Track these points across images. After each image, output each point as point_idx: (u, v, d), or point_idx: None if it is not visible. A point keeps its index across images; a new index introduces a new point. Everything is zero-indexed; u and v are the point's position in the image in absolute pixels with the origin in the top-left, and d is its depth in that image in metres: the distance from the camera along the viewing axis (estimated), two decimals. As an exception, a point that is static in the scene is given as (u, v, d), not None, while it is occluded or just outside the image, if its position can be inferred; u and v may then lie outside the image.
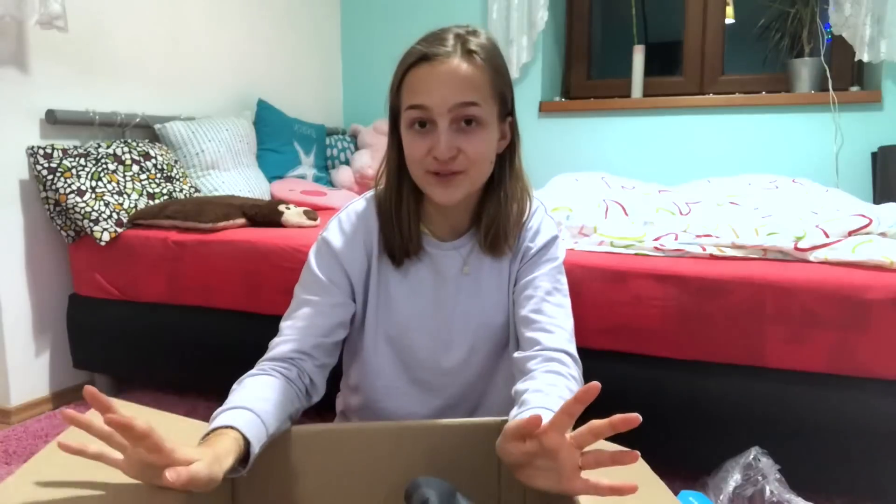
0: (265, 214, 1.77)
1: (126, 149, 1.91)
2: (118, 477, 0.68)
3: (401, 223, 0.97)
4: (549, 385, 0.86)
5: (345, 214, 1.02)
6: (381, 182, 1.00)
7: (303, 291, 0.99)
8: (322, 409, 1.11)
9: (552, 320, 0.96)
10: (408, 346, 1.03)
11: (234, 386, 0.87)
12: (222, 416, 0.76)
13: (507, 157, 0.98)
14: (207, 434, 0.74)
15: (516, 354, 0.96)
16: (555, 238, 1.03)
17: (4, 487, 0.64)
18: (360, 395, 1.08)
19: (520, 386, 0.88)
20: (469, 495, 0.80)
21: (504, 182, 0.98)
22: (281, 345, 0.94)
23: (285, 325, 0.97)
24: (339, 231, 1.00)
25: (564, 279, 1.02)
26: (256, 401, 0.80)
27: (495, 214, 0.97)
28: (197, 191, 2.09)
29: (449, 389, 1.05)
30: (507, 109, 0.95)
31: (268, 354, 0.94)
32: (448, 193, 0.90)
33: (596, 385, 0.65)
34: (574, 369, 0.91)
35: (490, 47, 0.92)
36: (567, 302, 1.00)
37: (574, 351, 0.95)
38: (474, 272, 1.01)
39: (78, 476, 0.68)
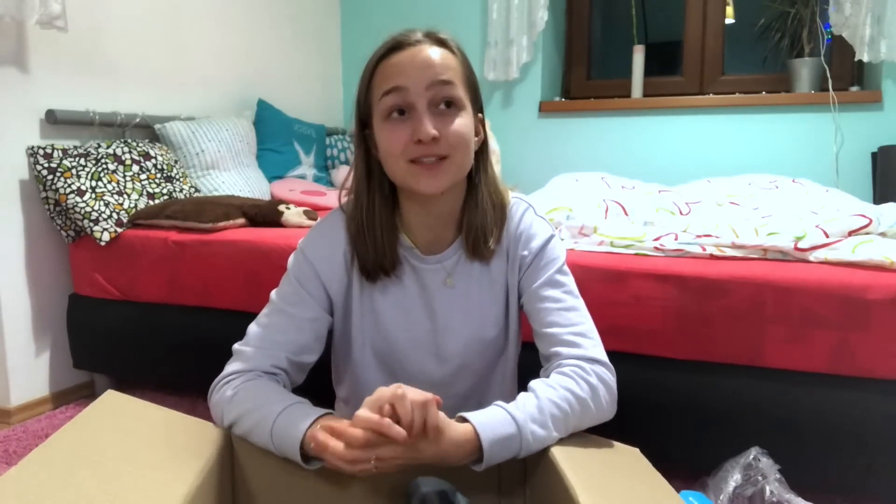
0: (265, 214, 1.77)
1: (126, 149, 1.91)
2: (117, 474, 0.68)
3: (374, 237, 0.94)
4: (547, 386, 0.86)
5: (325, 223, 0.99)
6: (348, 195, 0.98)
7: (279, 298, 0.96)
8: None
9: (569, 329, 0.92)
10: (397, 360, 1.01)
11: (240, 394, 0.87)
12: (308, 409, 0.83)
13: (481, 156, 0.97)
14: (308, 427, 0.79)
15: (541, 374, 0.93)
16: (550, 238, 0.99)
17: (2, 482, 0.64)
18: (351, 407, 1.06)
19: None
20: (469, 495, 0.80)
21: (480, 181, 0.96)
22: (256, 357, 0.92)
23: (256, 332, 0.94)
24: (318, 241, 0.98)
25: (570, 279, 0.98)
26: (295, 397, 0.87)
27: (474, 215, 0.96)
28: (197, 191, 2.09)
29: (441, 402, 1.04)
30: (478, 104, 0.95)
31: (244, 365, 0.91)
32: (434, 182, 0.88)
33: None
34: (593, 375, 0.87)
35: (455, 39, 0.93)
36: (579, 302, 0.96)
37: (599, 355, 0.91)
38: (461, 284, 0.99)
39: (77, 473, 0.67)
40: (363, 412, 0.73)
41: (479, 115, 0.96)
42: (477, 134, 0.95)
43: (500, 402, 0.83)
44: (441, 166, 0.88)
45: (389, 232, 0.95)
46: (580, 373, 0.87)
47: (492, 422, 0.79)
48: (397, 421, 0.72)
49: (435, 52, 0.88)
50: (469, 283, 0.99)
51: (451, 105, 0.88)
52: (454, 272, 0.99)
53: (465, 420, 0.80)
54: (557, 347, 0.91)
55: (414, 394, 0.73)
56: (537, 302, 0.96)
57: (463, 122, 0.89)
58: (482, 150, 0.97)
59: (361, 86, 0.92)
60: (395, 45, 0.88)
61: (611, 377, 0.90)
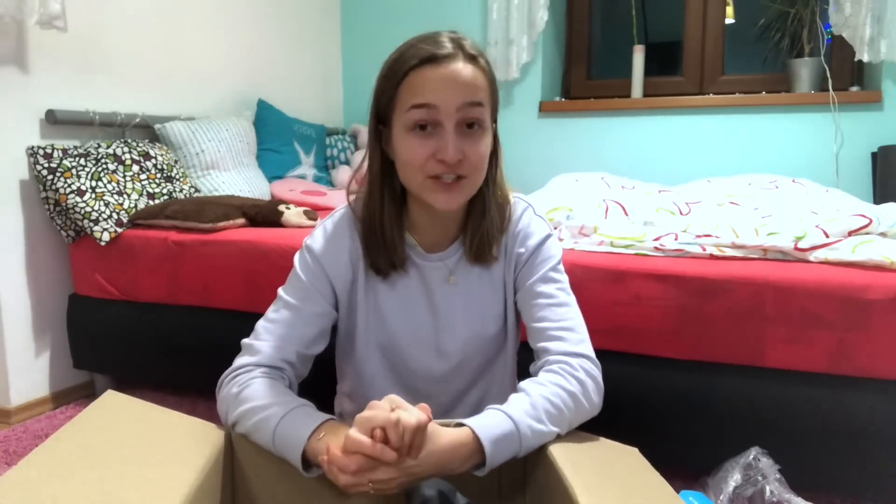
0: (265, 214, 1.77)
1: (126, 149, 1.91)
2: (116, 474, 0.68)
3: (384, 234, 0.95)
4: (537, 384, 0.87)
5: (330, 222, 1.01)
6: (356, 191, 0.98)
7: (286, 294, 0.98)
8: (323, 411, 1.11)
9: (557, 324, 0.94)
10: (399, 356, 1.02)
11: (246, 391, 0.87)
12: (312, 414, 0.84)
13: (492, 164, 0.97)
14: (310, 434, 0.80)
15: (531, 368, 0.95)
16: (547, 237, 1.00)
17: (2, 482, 0.64)
18: (353, 403, 1.08)
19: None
20: (469, 496, 0.80)
21: (487, 189, 0.97)
22: (265, 350, 0.93)
23: (264, 326, 0.96)
24: (324, 239, 0.99)
25: (564, 277, 1.00)
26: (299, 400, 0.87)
27: (480, 222, 0.96)
28: (197, 191, 2.09)
29: (441, 398, 1.04)
30: (495, 116, 0.95)
31: (253, 359, 0.92)
32: (451, 199, 0.89)
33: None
34: (581, 370, 0.89)
35: (482, 49, 0.93)
36: (571, 299, 0.98)
37: (585, 349, 0.92)
38: (463, 282, 1.00)
39: (77, 473, 0.67)
40: (355, 434, 0.73)
41: (494, 124, 0.96)
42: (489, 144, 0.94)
43: (492, 405, 0.83)
44: (458, 185, 0.89)
45: (398, 230, 0.97)
46: (568, 369, 0.89)
47: (488, 422, 0.80)
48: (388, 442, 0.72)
49: (468, 72, 0.87)
50: (470, 280, 1.00)
51: (477, 126, 0.88)
52: (456, 270, 1.00)
53: (460, 426, 0.80)
54: (544, 342, 0.93)
55: (407, 416, 0.73)
56: (530, 298, 0.97)
57: (485, 144, 0.90)
58: (493, 157, 0.97)
59: (386, 86, 0.90)
60: (430, 58, 0.87)
61: (597, 372, 0.92)
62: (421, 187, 0.90)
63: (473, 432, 0.78)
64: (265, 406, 0.84)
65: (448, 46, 0.88)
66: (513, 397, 0.85)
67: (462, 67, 0.87)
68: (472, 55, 0.89)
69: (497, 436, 0.78)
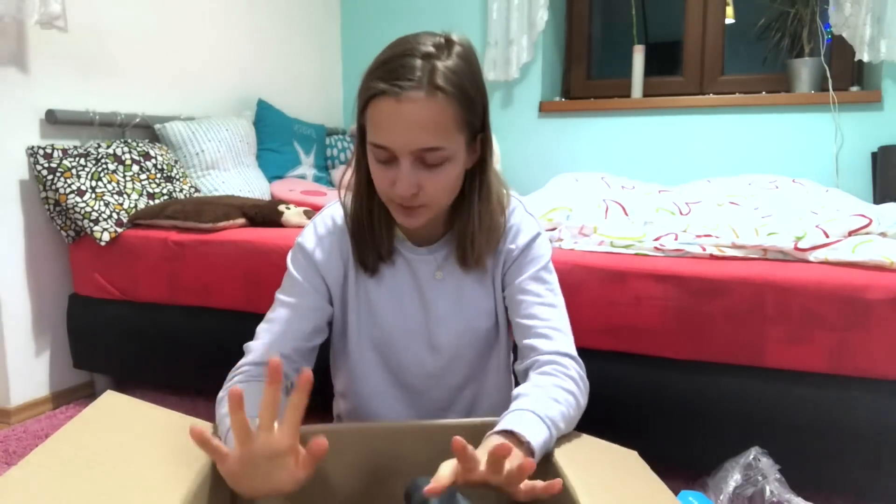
0: (265, 214, 1.77)
1: (126, 149, 1.91)
2: (116, 474, 0.68)
3: (372, 230, 0.96)
4: (536, 387, 0.87)
5: (320, 219, 1.02)
6: (347, 189, 0.98)
7: (281, 294, 1.00)
8: (321, 413, 1.11)
9: (546, 323, 0.95)
10: (392, 352, 1.03)
11: (225, 394, 0.87)
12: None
13: (478, 172, 0.94)
14: None
15: (517, 366, 0.95)
16: (536, 236, 1.00)
17: (2, 482, 0.64)
18: (347, 401, 1.08)
19: (514, 391, 0.89)
20: (469, 496, 0.80)
21: (474, 197, 0.95)
22: (259, 349, 0.94)
23: (262, 328, 0.98)
24: (315, 236, 1.00)
25: (553, 276, 1.00)
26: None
27: (464, 229, 0.95)
28: (197, 191, 2.09)
29: (434, 393, 1.04)
30: (476, 131, 0.90)
31: (247, 358, 0.94)
32: (411, 220, 0.90)
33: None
34: (572, 370, 0.91)
35: (460, 70, 0.84)
36: (559, 301, 0.98)
37: (572, 351, 0.94)
38: (451, 277, 1.00)
39: (76, 473, 0.67)
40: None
41: (481, 134, 0.91)
42: (474, 152, 0.92)
43: (524, 408, 0.82)
44: (417, 211, 0.89)
45: (386, 225, 0.97)
46: (561, 369, 0.90)
47: (532, 430, 0.79)
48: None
49: (427, 112, 0.81)
50: (460, 275, 1.01)
51: (437, 160, 0.85)
52: (445, 265, 1.00)
53: (503, 431, 0.79)
54: (532, 340, 0.94)
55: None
56: (520, 294, 0.98)
57: (445, 176, 0.87)
58: (481, 166, 0.94)
59: (358, 102, 0.88)
60: (389, 92, 0.81)
61: (583, 372, 0.93)
62: (387, 204, 0.92)
63: (521, 438, 0.77)
64: (225, 415, 0.83)
65: (413, 76, 0.81)
66: (535, 396, 0.85)
67: (420, 107, 0.81)
68: (437, 86, 0.81)
69: (541, 443, 0.79)
